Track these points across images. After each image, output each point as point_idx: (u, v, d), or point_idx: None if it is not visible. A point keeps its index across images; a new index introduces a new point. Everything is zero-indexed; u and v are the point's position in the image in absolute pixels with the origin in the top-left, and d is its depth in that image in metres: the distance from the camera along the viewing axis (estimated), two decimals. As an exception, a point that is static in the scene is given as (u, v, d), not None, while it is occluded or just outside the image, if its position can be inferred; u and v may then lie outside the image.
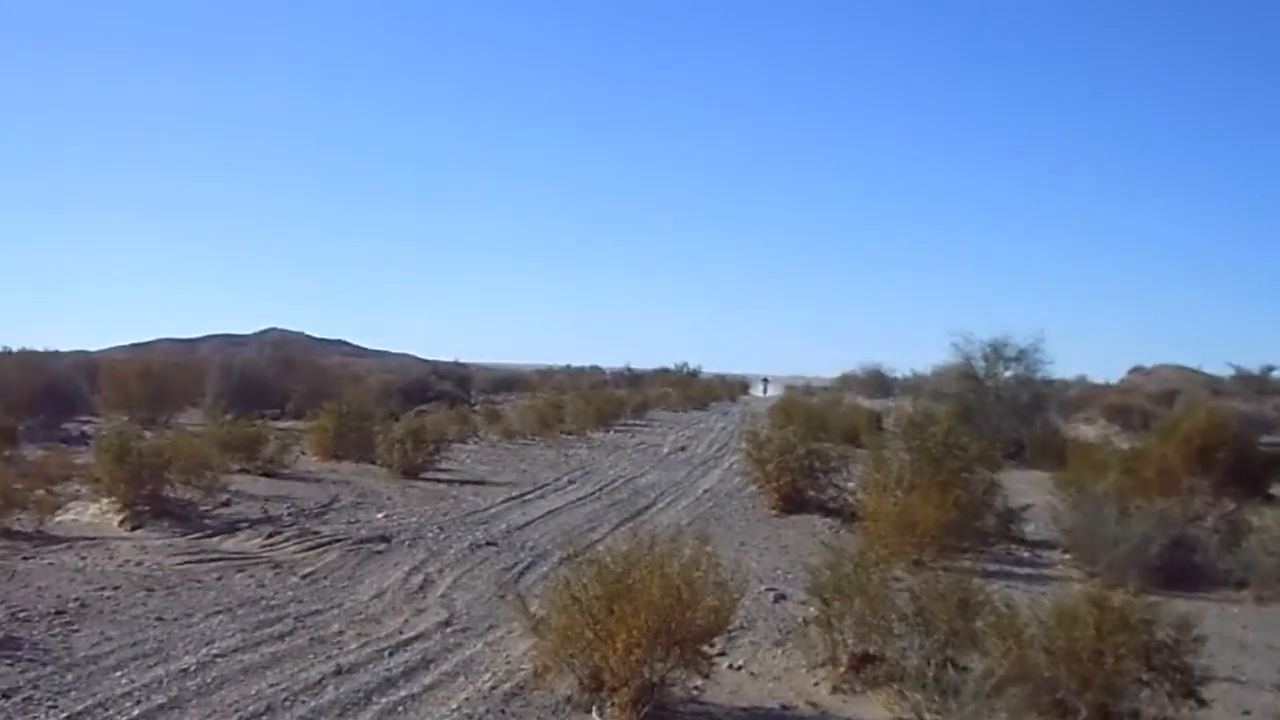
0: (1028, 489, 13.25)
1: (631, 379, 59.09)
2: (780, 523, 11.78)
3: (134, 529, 9.95)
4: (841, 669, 5.74)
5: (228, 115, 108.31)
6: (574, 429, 23.96)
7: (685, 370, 62.06)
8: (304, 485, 13.46)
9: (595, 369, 64.12)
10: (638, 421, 30.70)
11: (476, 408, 30.06)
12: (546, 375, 56.12)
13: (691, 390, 44.36)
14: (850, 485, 12.31)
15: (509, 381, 48.17)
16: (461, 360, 45.44)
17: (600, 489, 14.40)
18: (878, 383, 52.06)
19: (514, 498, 13.22)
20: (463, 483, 14.48)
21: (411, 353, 62.07)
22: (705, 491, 14.38)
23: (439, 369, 40.22)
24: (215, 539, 9.72)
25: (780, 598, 7.97)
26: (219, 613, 7.07)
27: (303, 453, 16.43)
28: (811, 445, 12.78)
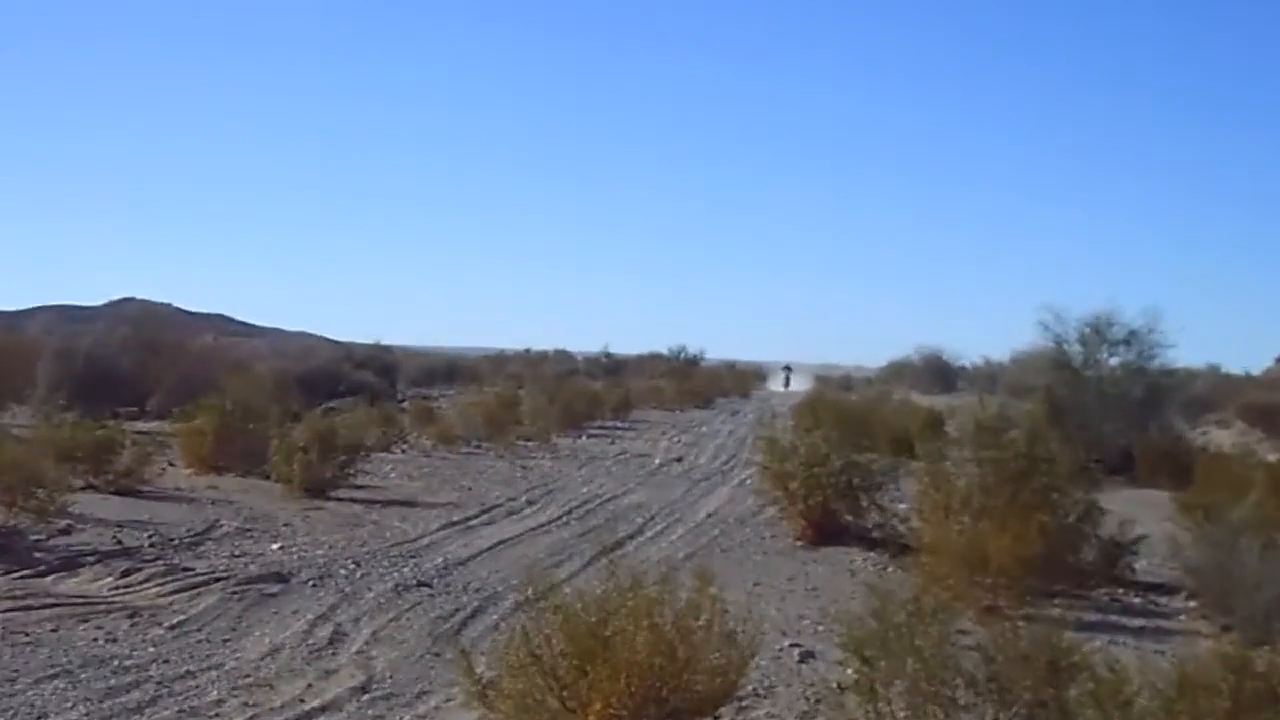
0: (1139, 514, 13.26)
1: (611, 368, 59.35)
2: (808, 557, 11.90)
3: (-62, 565, 9.91)
4: (889, 751, 5.73)
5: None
6: (534, 433, 24.17)
7: (682, 356, 62.38)
8: (173, 506, 13.49)
9: (563, 355, 64.37)
10: (619, 423, 30.86)
11: (405, 404, 30.09)
12: (498, 363, 56.33)
13: (691, 383, 44.58)
14: (900, 508, 12.41)
15: (448, 370, 48.34)
16: (384, 343, 45.35)
17: (569, 512, 14.49)
18: (938, 373, 52.60)
19: (454, 523, 13.32)
20: (386, 504, 14.57)
21: (316, 332, 62.23)
22: (708, 516, 14.48)
23: (354, 354, 40.21)
24: (50, 578, 9.70)
25: (807, 656, 8.04)
26: (54, 676, 7.04)
27: (171, 464, 16.48)
28: (849, 455, 12.87)
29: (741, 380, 55.96)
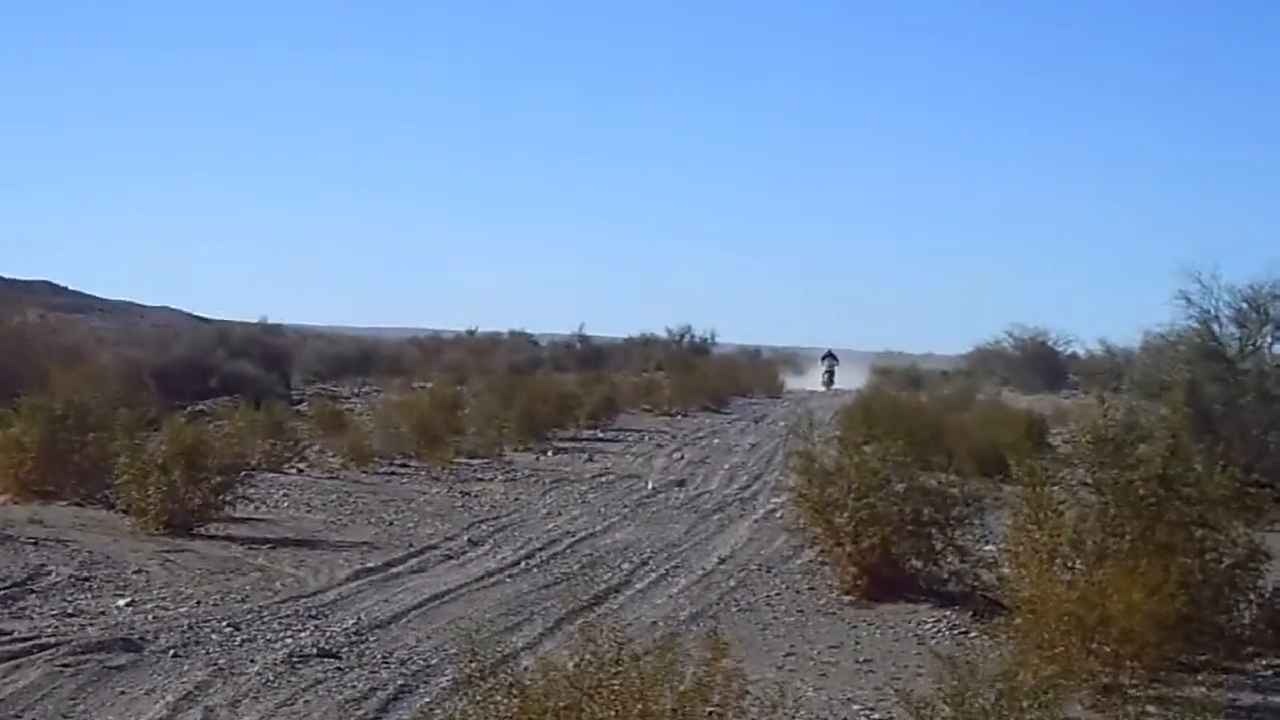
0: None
1: (588, 356, 59.18)
2: (859, 617, 11.90)
3: None
4: None
5: None
6: (482, 446, 24.15)
7: (686, 341, 62.34)
8: (-21, 546, 13.42)
9: (522, 338, 64.22)
10: (600, 433, 30.82)
11: (302, 406, 30.02)
12: (431, 349, 56.21)
13: (698, 377, 44.35)
14: (988, 550, 12.46)
15: (361, 359, 48.15)
16: (273, 321, 45.38)
17: (530, 555, 14.50)
18: (1041, 364, 52.55)
19: (371, 571, 13.31)
20: (277, 543, 14.59)
21: (181, 308, 62.13)
22: (722, 561, 14.50)
23: (232, 337, 40.09)
24: None
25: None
26: None
27: (-24, 488, 16.39)
28: (917, 478, 12.87)
29: (767, 374, 55.90)
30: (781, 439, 27.77)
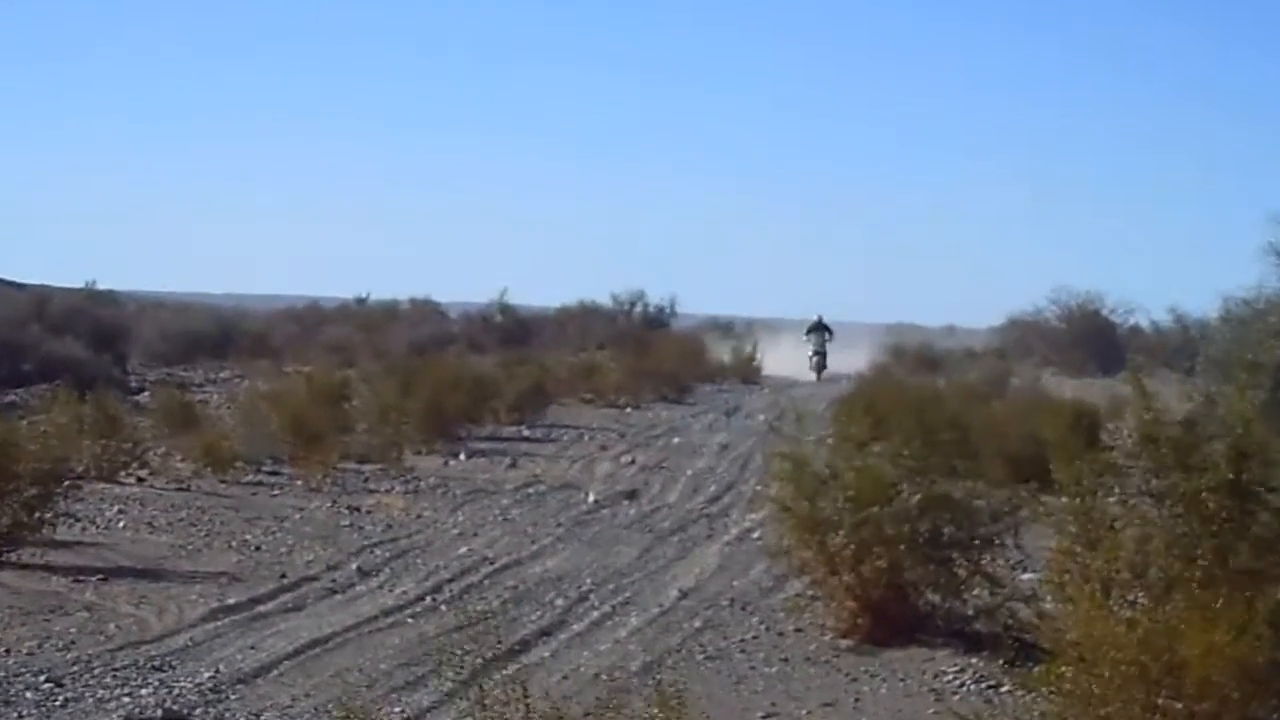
0: None
1: (512, 332, 59.04)
2: (860, 665, 11.94)
3: None
4: None
5: None
6: (375, 448, 24.22)
7: (637, 311, 62.21)
8: None
9: (426, 307, 63.99)
10: (526, 430, 30.98)
11: (143, 397, 30.21)
12: (308, 322, 55.88)
13: (652, 358, 44.23)
14: (1025, 579, 12.67)
15: (219, 336, 47.90)
16: (104, 287, 44.90)
17: (436, 589, 14.62)
18: (1091, 339, 52.58)
19: (233, 608, 13.42)
20: (110, 573, 14.67)
21: None
22: (684, 595, 14.61)
23: (51, 307, 39.78)
24: None
25: None
26: None
27: None
28: (935, 486, 12.90)
29: (741, 355, 55.56)
30: (760, 438, 27.75)
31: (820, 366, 54.68)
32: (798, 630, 13.00)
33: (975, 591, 12.67)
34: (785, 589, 14.24)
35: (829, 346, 55.82)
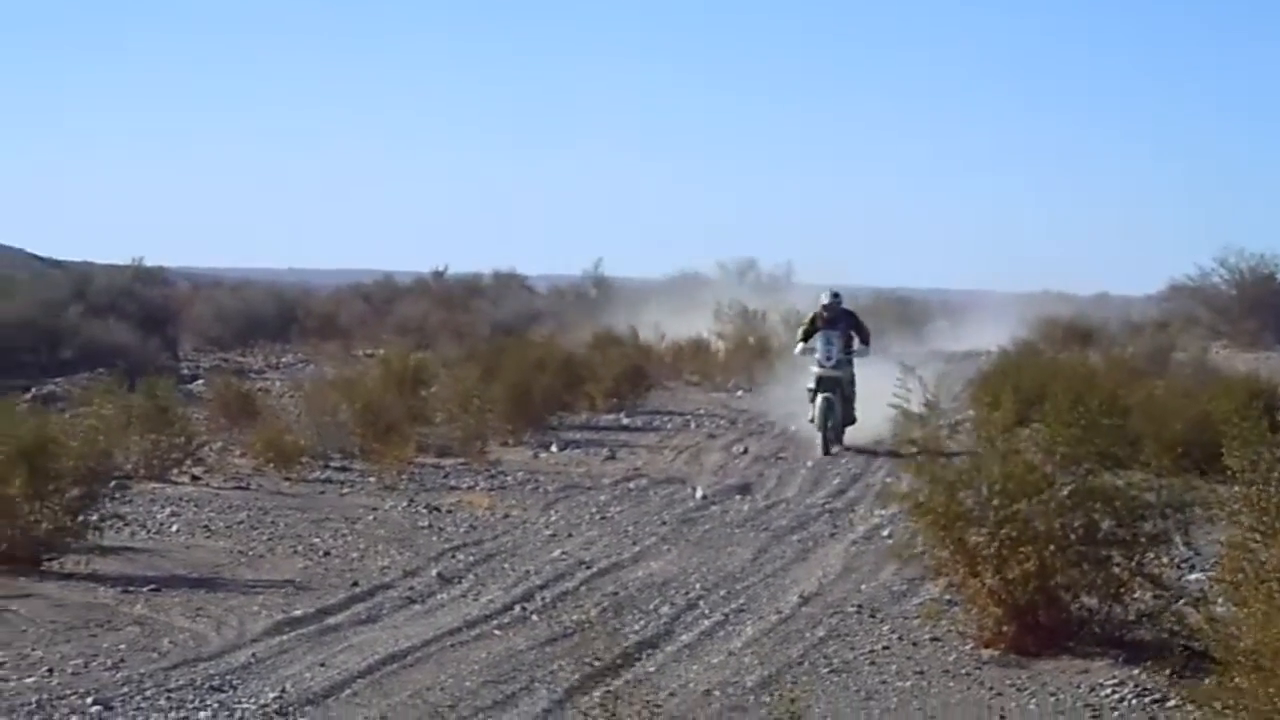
0: None
1: (603, 304, 58.46)
2: (1006, 679, 11.79)
3: None
4: None
5: None
6: (456, 440, 24.31)
7: (750, 279, 61.68)
8: None
9: (510, 281, 64.31)
10: (625, 418, 31.26)
11: (198, 386, 30.93)
12: (381, 301, 56.28)
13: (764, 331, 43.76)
14: (1194, 579, 12.66)
15: (280, 315, 48.40)
16: (151, 264, 45.47)
17: (528, 596, 14.60)
18: (1269, 307, 51.85)
19: (299, 620, 13.42)
20: (164, 583, 14.75)
21: (18, 246, 62.55)
22: (805, 601, 14.51)
23: (93, 286, 40.15)
24: None
25: None
26: None
27: None
28: (1090, 476, 12.58)
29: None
30: (895, 422, 27.22)
31: (826, 414, 27.09)
32: (934, 639, 12.80)
33: (1136, 594, 12.39)
34: (919, 593, 14.12)
35: (859, 354, 33.04)
